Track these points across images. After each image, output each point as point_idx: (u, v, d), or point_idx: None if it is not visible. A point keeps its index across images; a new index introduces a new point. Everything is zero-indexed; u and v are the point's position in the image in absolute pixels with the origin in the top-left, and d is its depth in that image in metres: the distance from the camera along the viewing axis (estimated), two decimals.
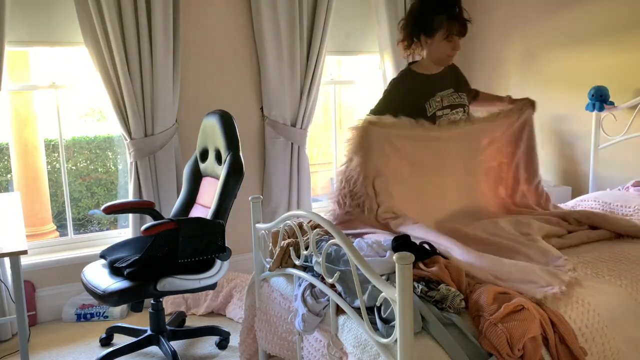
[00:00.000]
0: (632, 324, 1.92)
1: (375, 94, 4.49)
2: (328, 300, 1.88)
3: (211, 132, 2.90)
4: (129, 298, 2.52)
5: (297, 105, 3.87)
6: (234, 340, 2.99)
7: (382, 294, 1.51)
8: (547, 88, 3.78)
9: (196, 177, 3.09)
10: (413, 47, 2.66)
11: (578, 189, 3.62)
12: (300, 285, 2.05)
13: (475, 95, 2.95)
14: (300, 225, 2.21)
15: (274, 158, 3.87)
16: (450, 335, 1.61)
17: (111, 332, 3.03)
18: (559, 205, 2.95)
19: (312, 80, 3.85)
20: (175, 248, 2.57)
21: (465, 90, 2.83)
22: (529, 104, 2.86)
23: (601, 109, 3.25)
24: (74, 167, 3.74)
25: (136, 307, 2.97)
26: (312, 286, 1.99)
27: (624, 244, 2.46)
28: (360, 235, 2.34)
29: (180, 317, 3.21)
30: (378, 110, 2.66)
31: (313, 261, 2.01)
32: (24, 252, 2.07)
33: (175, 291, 2.59)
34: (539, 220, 2.54)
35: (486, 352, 1.59)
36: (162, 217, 3.05)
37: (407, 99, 2.64)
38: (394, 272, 1.43)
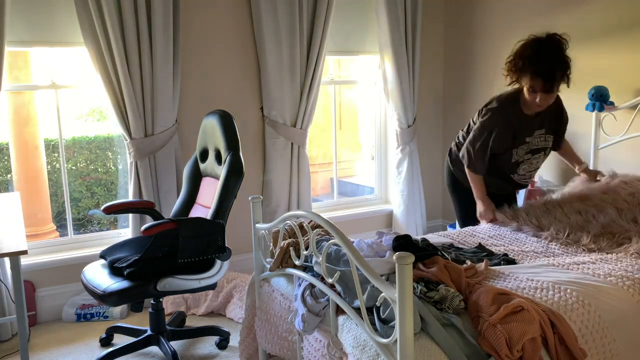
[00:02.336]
0: (633, 325, 1.92)
1: (375, 94, 4.49)
2: (328, 300, 1.88)
3: (211, 132, 2.90)
4: (129, 298, 2.52)
5: (297, 105, 3.87)
6: (234, 340, 2.99)
7: (382, 294, 1.51)
8: None
9: (196, 177, 3.09)
10: (517, 82, 2.72)
11: None
12: (300, 285, 2.06)
13: (558, 142, 2.99)
14: (301, 225, 2.21)
15: (274, 158, 3.87)
16: (449, 336, 1.61)
17: (111, 332, 3.03)
18: None
19: (312, 80, 3.85)
20: (175, 248, 2.57)
21: (556, 132, 2.89)
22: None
23: (601, 109, 3.25)
24: (74, 167, 3.74)
25: (136, 307, 2.97)
26: (312, 286, 2.00)
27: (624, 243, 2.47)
28: None
29: (180, 317, 3.21)
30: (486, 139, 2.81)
31: (313, 261, 2.01)
32: (24, 252, 2.07)
33: (175, 291, 2.59)
34: None
35: (485, 353, 1.59)
36: (162, 217, 3.05)
37: (499, 139, 2.78)
38: (394, 272, 1.43)
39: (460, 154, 2.96)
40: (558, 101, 2.85)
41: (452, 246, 2.48)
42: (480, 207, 2.93)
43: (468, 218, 3.08)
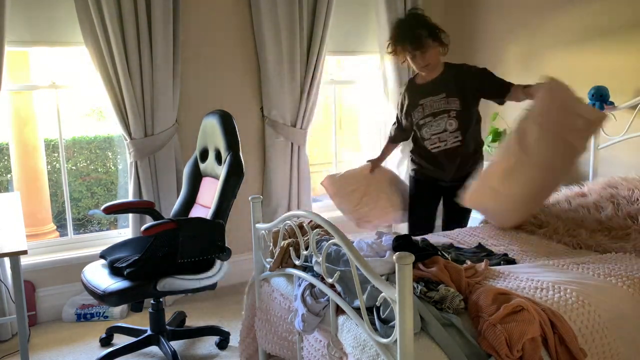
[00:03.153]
0: (633, 325, 1.92)
1: (375, 94, 4.49)
2: (328, 300, 1.88)
3: (211, 132, 2.90)
4: (129, 298, 2.52)
5: (297, 105, 3.87)
6: (234, 340, 2.99)
7: (382, 294, 1.51)
8: None
9: (196, 177, 3.09)
10: (406, 60, 2.99)
11: None
12: (300, 285, 2.06)
13: (514, 90, 2.88)
14: (301, 225, 2.21)
15: (274, 158, 3.87)
16: (449, 336, 1.61)
17: (111, 332, 3.03)
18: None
19: (312, 80, 3.85)
20: (175, 248, 2.57)
21: (472, 90, 2.92)
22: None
23: (601, 108, 3.25)
24: (74, 167, 3.74)
25: (136, 307, 2.97)
26: (312, 286, 1.99)
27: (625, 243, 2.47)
28: None
29: (180, 317, 3.21)
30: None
31: (313, 261, 2.01)
32: (24, 252, 2.07)
33: (175, 291, 2.59)
34: None
35: (485, 352, 1.59)
36: (162, 217, 3.06)
37: (402, 106, 3.11)
38: (394, 272, 1.43)
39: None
40: (459, 67, 2.99)
41: (452, 246, 2.48)
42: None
43: (415, 212, 3.24)
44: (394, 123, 3.27)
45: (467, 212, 3.12)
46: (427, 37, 2.84)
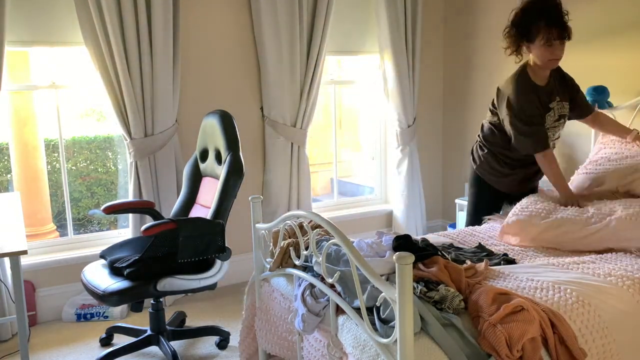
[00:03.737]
0: (633, 325, 1.92)
1: (375, 94, 4.49)
2: (328, 300, 1.88)
3: (211, 132, 2.90)
4: (129, 298, 2.52)
5: (297, 105, 3.87)
6: (234, 340, 2.99)
7: (382, 294, 1.51)
8: None
9: (196, 177, 3.09)
10: (518, 53, 2.76)
11: None
12: (300, 285, 2.05)
13: (594, 116, 2.98)
14: (301, 225, 2.21)
15: (274, 158, 3.87)
16: (449, 336, 1.61)
17: (111, 332, 3.03)
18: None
19: (312, 80, 3.85)
20: (175, 248, 2.57)
21: (570, 97, 2.86)
22: None
23: (601, 108, 3.25)
24: (74, 167, 3.74)
25: (136, 307, 2.97)
26: (312, 286, 1.99)
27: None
28: None
29: (180, 317, 3.21)
30: (528, 118, 2.73)
31: (313, 261, 2.01)
32: (24, 252, 2.07)
33: (175, 291, 2.59)
34: None
35: (485, 353, 1.59)
36: (162, 217, 3.05)
37: (536, 110, 2.74)
38: (394, 272, 1.43)
39: (523, 150, 2.80)
40: (557, 68, 2.85)
41: (452, 246, 2.48)
42: (562, 199, 2.75)
43: (479, 213, 3.06)
44: (534, 128, 2.73)
45: None
46: (568, 27, 2.63)
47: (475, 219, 3.09)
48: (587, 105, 2.98)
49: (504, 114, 2.80)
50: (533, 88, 2.74)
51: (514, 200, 2.98)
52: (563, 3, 2.66)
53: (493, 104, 2.94)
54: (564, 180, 2.78)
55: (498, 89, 2.88)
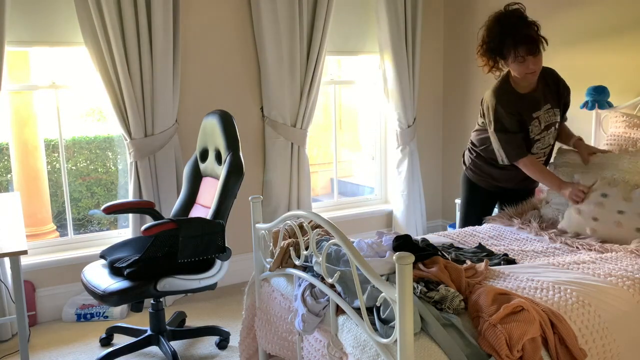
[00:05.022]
0: (633, 325, 1.92)
1: (375, 94, 4.49)
2: (328, 300, 1.88)
3: (211, 132, 2.90)
4: (129, 298, 2.52)
5: (297, 105, 3.87)
6: (234, 340, 2.99)
7: (382, 294, 1.51)
8: None
9: (196, 177, 3.09)
10: (496, 69, 2.73)
11: None
12: (300, 285, 2.05)
13: (561, 125, 2.93)
14: (301, 225, 2.21)
15: (274, 158, 3.86)
16: (449, 336, 1.61)
17: (111, 332, 3.03)
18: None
19: (312, 80, 3.85)
20: (175, 248, 2.57)
21: (562, 104, 2.82)
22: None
23: (601, 108, 3.24)
24: (74, 167, 3.74)
25: (136, 307, 2.97)
26: (312, 286, 1.99)
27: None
28: None
29: (180, 317, 3.21)
30: (504, 128, 2.73)
31: (313, 261, 2.01)
32: (24, 252, 2.07)
33: (175, 291, 2.59)
34: None
35: (485, 353, 1.59)
36: (162, 217, 3.05)
37: (514, 120, 2.71)
38: (394, 272, 1.43)
39: (500, 160, 2.82)
40: (552, 73, 2.83)
41: (452, 246, 2.48)
42: (566, 194, 2.68)
43: (471, 215, 3.08)
44: (510, 137, 2.72)
45: None
46: (538, 37, 2.61)
47: (468, 221, 3.11)
48: (564, 115, 2.94)
49: (486, 122, 2.82)
50: (514, 97, 2.71)
51: (506, 201, 3.01)
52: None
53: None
54: (554, 177, 2.74)
55: (483, 97, 2.87)
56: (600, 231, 2.55)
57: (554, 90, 2.80)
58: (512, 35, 2.55)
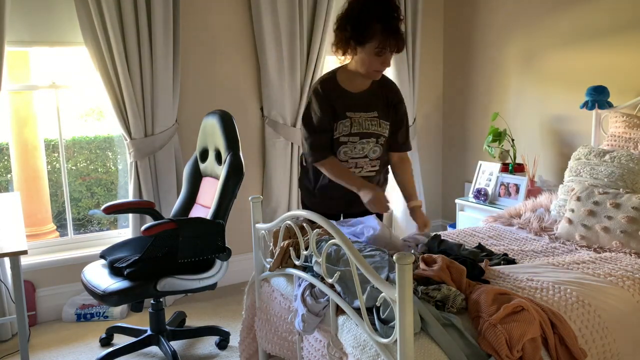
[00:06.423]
0: (633, 325, 1.92)
1: None
2: (328, 300, 1.88)
3: (211, 132, 2.90)
4: (129, 298, 2.52)
5: (297, 105, 3.87)
6: (234, 340, 2.99)
7: (382, 294, 1.51)
8: (547, 88, 3.78)
9: (196, 177, 3.09)
10: (347, 53, 2.34)
11: None
12: (300, 285, 2.05)
13: (401, 158, 2.56)
14: (301, 226, 2.21)
15: (274, 158, 3.86)
16: (449, 336, 1.61)
17: (111, 332, 3.03)
18: None
19: (312, 80, 3.85)
20: (175, 248, 2.57)
21: (392, 122, 2.47)
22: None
23: (601, 107, 3.25)
24: (74, 167, 3.74)
25: (136, 307, 2.97)
26: (312, 286, 1.99)
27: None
28: None
29: (180, 317, 3.21)
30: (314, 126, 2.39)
31: (313, 261, 2.01)
32: (24, 252, 2.07)
33: (175, 291, 2.59)
34: None
35: (485, 353, 1.59)
36: (162, 217, 3.05)
37: (322, 113, 2.36)
38: (394, 271, 1.43)
39: (303, 154, 2.50)
40: (392, 84, 2.52)
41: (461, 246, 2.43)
42: (365, 197, 2.31)
43: None
44: (313, 136, 2.39)
45: None
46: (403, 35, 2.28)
47: None
48: (405, 144, 2.55)
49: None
50: (336, 92, 2.37)
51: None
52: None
53: None
54: (356, 178, 2.38)
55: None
56: (589, 237, 2.54)
57: (390, 104, 2.47)
58: (385, 21, 2.20)
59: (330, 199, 2.52)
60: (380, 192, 2.32)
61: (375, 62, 2.27)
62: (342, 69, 2.43)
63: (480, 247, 2.48)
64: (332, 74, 2.43)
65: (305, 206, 2.62)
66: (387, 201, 2.34)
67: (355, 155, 2.43)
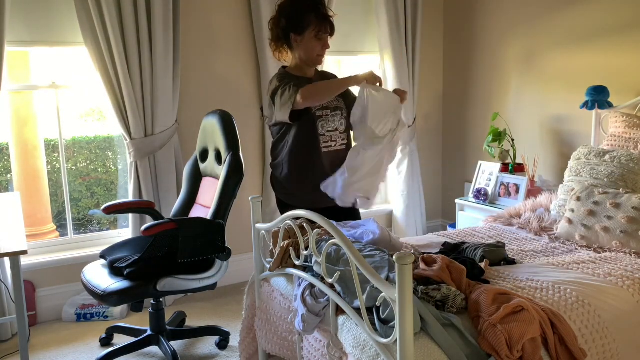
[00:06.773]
0: (633, 325, 1.92)
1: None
2: (328, 300, 1.88)
3: (211, 132, 2.90)
4: (129, 298, 2.52)
5: None
6: (234, 340, 2.99)
7: (382, 294, 1.51)
8: (547, 88, 3.78)
9: (196, 177, 3.09)
10: (282, 49, 2.57)
11: None
12: (300, 285, 2.05)
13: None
14: (301, 226, 2.21)
15: None
16: (449, 336, 1.61)
17: (111, 332, 3.03)
18: None
19: None
20: (175, 248, 2.57)
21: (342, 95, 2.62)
22: None
23: (601, 107, 3.25)
24: (74, 167, 3.74)
25: (136, 307, 2.97)
26: (311, 286, 1.99)
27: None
28: None
29: (180, 317, 3.21)
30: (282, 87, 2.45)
31: (313, 261, 2.01)
32: (24, 252, 2.07)
33: (175, 291, 2.59)
34: None
35: (485, 353, 1.59)
36: (162, 217, 3.05)
37: (292, 82, 2.45)
38: (394, 271, 1.43)
39: (284, 116, 2.44)
40: (332, 73, 2.78)
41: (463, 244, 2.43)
42: (361, 79, 2.42)
43: None
44: (284, 87, 2.43)
45: None
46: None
47: None
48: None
49: (275, 110, 2.50)
50: (295, 78, 2.50)
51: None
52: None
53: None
54: (342, 79, 2.52)
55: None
56: (589, 237, 2.54)
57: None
58: (316, 9, 2.47)
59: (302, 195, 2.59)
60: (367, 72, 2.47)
61: (317, 45, 2.51)
62: (287, 68, 2.61)
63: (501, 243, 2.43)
64: (282, 70, 2.60)
65: (284, 205, 2.63)
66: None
67: (330, 129, 2.59)
